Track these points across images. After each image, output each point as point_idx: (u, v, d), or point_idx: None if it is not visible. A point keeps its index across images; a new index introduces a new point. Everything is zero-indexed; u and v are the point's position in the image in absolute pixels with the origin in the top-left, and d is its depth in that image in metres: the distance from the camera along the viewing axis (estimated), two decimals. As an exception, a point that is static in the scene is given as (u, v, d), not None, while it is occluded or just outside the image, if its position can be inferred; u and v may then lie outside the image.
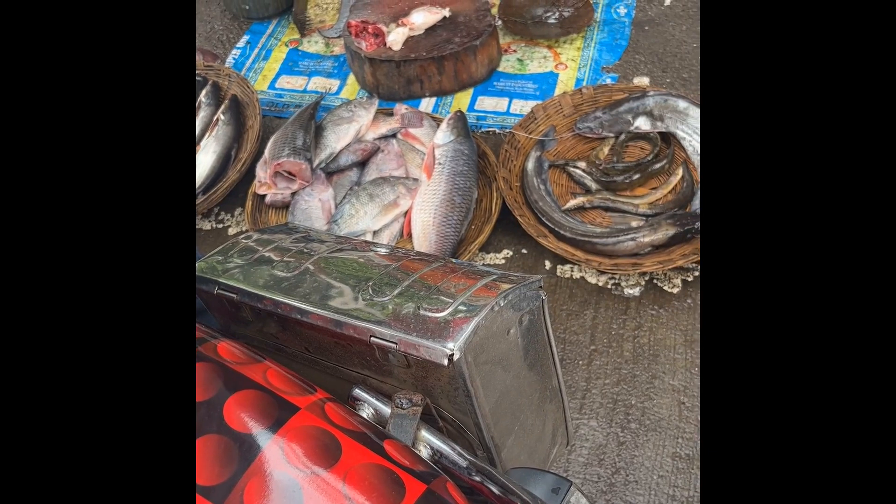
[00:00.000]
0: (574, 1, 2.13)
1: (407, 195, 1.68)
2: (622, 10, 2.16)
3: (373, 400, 0.61)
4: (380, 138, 1.83)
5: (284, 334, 0.70)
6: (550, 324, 0.70)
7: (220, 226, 1.81)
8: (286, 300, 0.66)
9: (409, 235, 1.67)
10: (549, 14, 2.11)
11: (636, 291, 1.56)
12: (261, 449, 0.49)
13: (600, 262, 1.53)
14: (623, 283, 1.57)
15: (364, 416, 0.60)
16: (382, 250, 0.74)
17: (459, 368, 0.56)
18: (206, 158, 1.83)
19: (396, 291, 0.63)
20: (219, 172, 1.82)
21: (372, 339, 0.60)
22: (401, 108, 1.87)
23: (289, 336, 0.69)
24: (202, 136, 1.88)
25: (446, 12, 1.99)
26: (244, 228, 1.78)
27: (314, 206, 1.70)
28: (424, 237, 1.63)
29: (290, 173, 1.70)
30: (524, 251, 1.66)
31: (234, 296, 0.69)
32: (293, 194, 1.72)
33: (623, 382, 1.44)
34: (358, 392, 0.62)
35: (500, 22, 2.09)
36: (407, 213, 1.69)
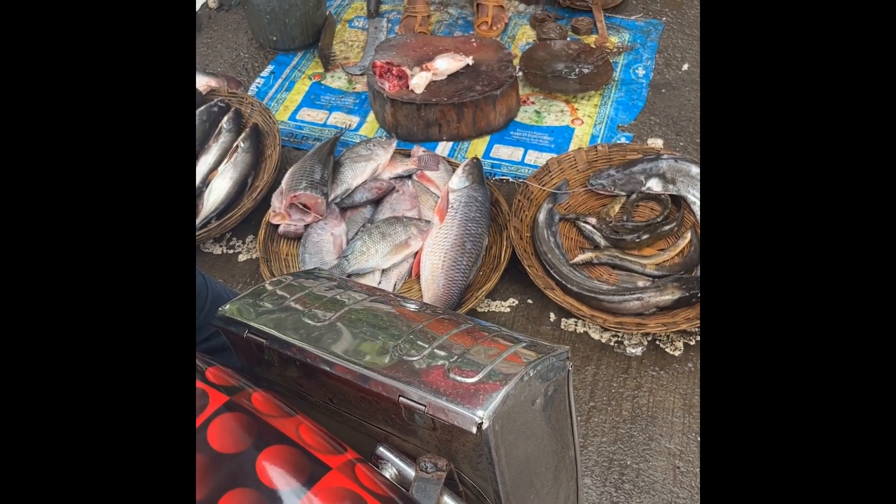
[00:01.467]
0: (594, 59, 2.18)
1: (418, 236, 1.70)
2: (640, 72, 2.20)
3: (397, 460, 0.62)
4: (396, 178, 1.85)
5: (309, 383, 0.71)
6: (573, 394, 0.71)
7: (231, 251, 1.83)
8: (315, 350, 0.67)
9: (418, 277, 1.69)
10: (569, 70, 2.15)
11: (638, 351, 1.57)
12: (293, 507, 0.50)
13: (605, 318, 1.55)
14: (626, 342, 1.59)
15: (387, 475, 0.61)
16: (412, 306, 0.76)
17: (486, 437, 0.58)
18: (222, 184, 1.85)
19: (426, 352, 0.65)
20: (234, 198, 1.84)
21: (400, 398, 0.61)
22: (418, 150, 1.90)
23: (313, 385, 0.70)
24: (220, 161, 1.90)
25: (469, 60, 2.04)
26: (254, 256, 1.80)
27: (326, 240, 1.72)
28: (433, 280, 1.64)
29: (305, 206, 1.72)
30: (530, 301, 1.67)
31: (264, 341, 0.70)
32: (306, 226, 1.74)
33: (620, 442, 1.45)
34: (382, 451, 0.63)
35: (520, 73, 2.13)
36: (417, 255, 1.71)
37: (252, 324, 0.71)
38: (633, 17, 2.39)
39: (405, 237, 1.70)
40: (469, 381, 0.61)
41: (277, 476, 0.52)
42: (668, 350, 1.57)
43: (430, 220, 1.75)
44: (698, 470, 1.38)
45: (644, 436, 1.45)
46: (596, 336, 1.60)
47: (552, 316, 1.64)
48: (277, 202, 1.77)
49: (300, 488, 0.51)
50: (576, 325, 1.62)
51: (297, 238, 1.76)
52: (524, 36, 2.37)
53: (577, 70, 2.16)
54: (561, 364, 0.66)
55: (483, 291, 1.60)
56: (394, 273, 1.70)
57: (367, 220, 1.80)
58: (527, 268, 1.60)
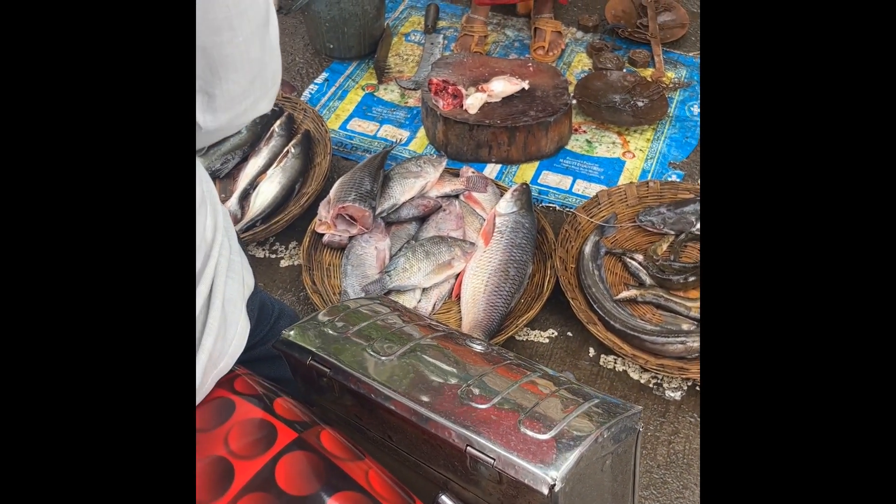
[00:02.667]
0: (650, 93, 2.16)
1: (462, 258, 1.69)
2: (695, 110, 2.18)
3: (460, 512, 0.61)
4: (443, 197, 1.84)
5: (369, 417, 0.69)
6: (639, 456, 0.70)
7: (273, 256, 1.83)
8: (380, 386, 0.66)
9: (458, 298, 1.67)
10: (623, 102, 2.13)
11: (678, 395, 1.55)
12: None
13: (646, 359, 1.52)
14: (665, 385, 1.56)
15: (449, 525, 0.59)
16: (478, 347, 0.75)
17: (556, 499, 0.56)
18: (269, 188, 1.85)
19: (496, 400, 0.63)
20: (280, 203, 1.84)
21: (468, 448, 0.60)
22: (467, 171, 1.89)
23: (373, 420, 0.69)
24: (270, 164, 1.91)
25: (525, 84, 2.03)
26: (296, 263, 1.80)
27: (369, 254, 1.72)
28: (474, 303, 1.63)
29: (351, 217, 1.72)
30: (570, 334, 1.65)
31: (327, 370, 0.69)
32: (350, 238, 1.74)
33: (652, 487, 1.42)
34: (444, 500, 0.61)
35: (574, 102, 2.11)
36: (459, 276, 1.70)
37: (316, 351, 0.70)
38: (691, 54, 2.37)
39: (448, 257, 1.68)
40: (541, 437, 0.59)
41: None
42: (707, 397, 1.54)
43: (474, 242, 1.74)
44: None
45: (678, 483, 1.42)
46: (635, 376, 1.58)
47: (591, 351, 1.62)
48: (324, 211, 1.77)
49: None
50: (615, 363, 1.60)
51: (340, 248, 1.76)
52: (580, 63, 2.35)
53: (632, 103, 2.14)
54: (632, 425, 0.65)
55: (524, 319, 1.59)
56: (434, 293, 1.69)
57: (412, 236, 1.79)
58: (570, 300, 1.58)
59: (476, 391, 0.65)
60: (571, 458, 0.57)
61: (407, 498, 0.55)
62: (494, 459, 0.59)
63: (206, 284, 0.62)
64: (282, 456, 0.54)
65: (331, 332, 0.74)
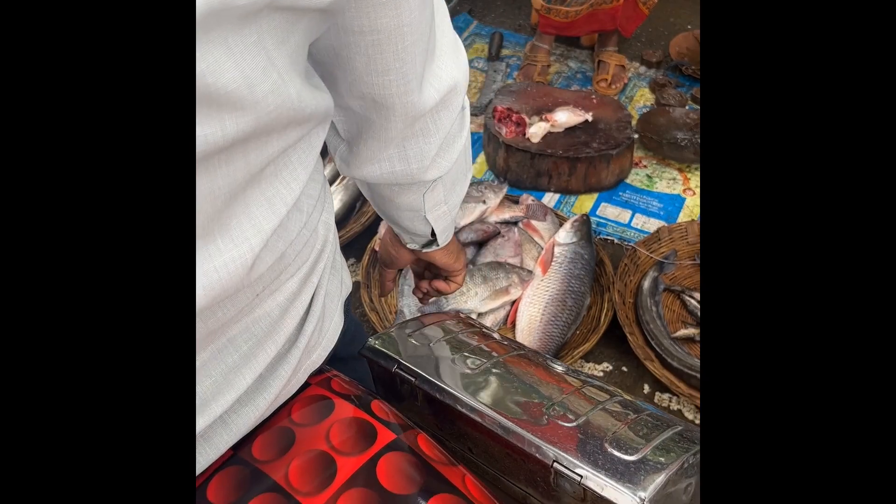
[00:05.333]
0: (713, 131, 2.15)
1: (519, 285, 1.70)
2: (759, 150, 2.16)
3: (546, 528, 0.61)
4: (502, 223, 1.85)
5: (451, 428, 0.70)
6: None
7: (332, 272, 1.86)
8: (466, 397, 0.67)
9: (513, 325, 1.68)
10: (686, 139, 2.13)
11: (733, 438, 1.52)
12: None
13: (702, 399, 1.50)
14: (720, 426, 1.53)
15: (532, 539, 0.60)
16: (559, 368, 0.75)
17: (643, 518, 0.56)
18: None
19: (581, 420, 0.64)
20: (340, 220, 1.87)
21: (555, 464, 0.60)
22: (527, 199, 1.90)
23: (454, 431, 0.70)
24: (332, 182, 1.95)
25: (589, 116, 2.04)
26: (355, 280, 1.82)
27: (427, 275, 1.73)
28: (529, 332, 1.63)
29: (411, 238, 1.74)
30: (625, 369, 1.64)
31: (413, 379, 0.70)
32: (409, 258, 1.75)
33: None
34: (529, 514, 0.62)
35: (636, 136, 2.12)
36: (515, 303, 1.70)
37: (402, 360, 0.71)
38: (756, 95, 2.36)
39: (506, 284, 1.69)
40: (629, 458, 0.59)
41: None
42: (764, 442, 1.51)
43: (532, 270, 1.75)
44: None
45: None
46: (690, 415, 1.55)
47: (647, 388, 1.60)
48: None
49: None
50: (670, 402, 1.58)
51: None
52: (642, 98, 2.36)
53: (694, 140, 2.13)
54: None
55: (580, 351, 1.58)
56: (489, 318, 1.70)
57: (470, 261, 1.80)
58: (628, 335, 1.57)
59: (560, 409, 0.65)
60: (660, 479, 0.57)
61: None
62: (582, 476, 0.59)
63: (317, 276, 0.64)
64: (382, 455, 0.55)
65: (414, 342, 0.75)
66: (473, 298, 1.66)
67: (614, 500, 0.57)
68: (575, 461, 0.59)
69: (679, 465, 0.59)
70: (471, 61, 2.52)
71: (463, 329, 0.79)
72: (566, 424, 0.63)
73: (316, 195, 0.62)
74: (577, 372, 0.76)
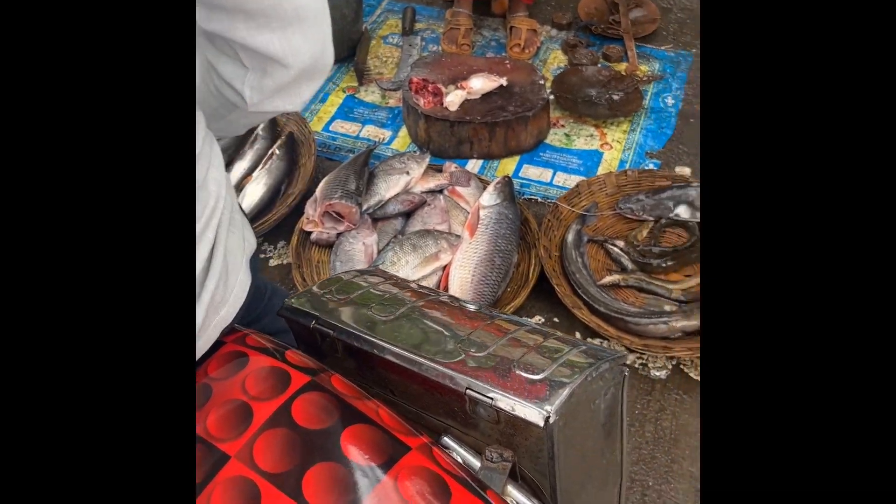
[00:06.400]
0: (624, 86, 2.22)
1: (448, 250, 1.73)
2: (669, 101, 2.24)
3: (461, 450, 0.64)
4: (427, 192, 1.88)
5: (370, 374, 0.73)
6: (626, 400, 0.73)
7: (262, 256, 1.86)
8: (382, 342, 0.69)
9: (446, 290, 1.71)
10: (599, 96, 2.19)
11: (662, 374, 1.59)
12: (378, 481, 0.52)
13: (631, 340, 1.57)
14: (650, 365, 1.60)
15: (452, 463, 0.63)
16: (471, 307, 0.78)
17: (551, 431, 0.60)
18: (256, 189, 1.88)
19: (491, 349, 0.67)
20: (266, 204, 1.87)
21: (468, 391, 0.64)
22: (450, 167, 1.93)
23: (374, 377, 0.73)
24: (255, 167, 1.94)
25: (503, 81, 2.08)
26: (285, 261, 1.83)
27: (357, 249, 1.75)
28: (462, 293, 1.66)
29: (338, 214, 1.75)
30: (556, 320, 1.69)
31: (331, 331, 0.72)
32: (338, 235, 1.77)
33: (642, 462, 1.46)
34: (448, 441, 0.65)
35: (552, 96, 2.17)
36: (446, 268, 1.73)
37: (319, 315, 0.74)
38: (663, 48, 2.43)
39: (435, 250, 1.72)
40: (535, 377, 0.63)
41: (361, 452, 0.54)
42: (692, 374, 1.58)
43: (459, 234, 1.78)
44: (720, 494, 1.39)
45: (666, 458, 1.46)
46: (621, 357, 1.62)
47: (578, 335, 1.66)
48: (311, 210, 1.80)
49: (383, 466, 0.53)
50: (601, 345, 1.64)
51: (328, 246, 1.79)
52: (555, 60, 2.41)
53: (608, 96, 2.19)
54: (619, 368, 0.69)
55: (511, 307, 1.62)
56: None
57: (398, 231, 1.82)
58: (556, 286, 1.63)
59: (472, 343, 0.68)
60: (564, 393, 0.61)
61: (415, 430, 0.59)
62: (493, 399, 0.62)
63: (212, 232, 0.66)
64: (297, 396, 0.58)
65: (330, 298, 0.77)
66: (405, 267, 1.69)
67: (524, 417, 0.61)
68: (486, 386, 0.63)
69: (582, 380, 0.63)
70: (385, 38, 2.53)
71: (380, 282, 0.82)
72: (478, 354, 0.66)
73: (198, 150, 0.64)
74: (489, 310, 0.80)
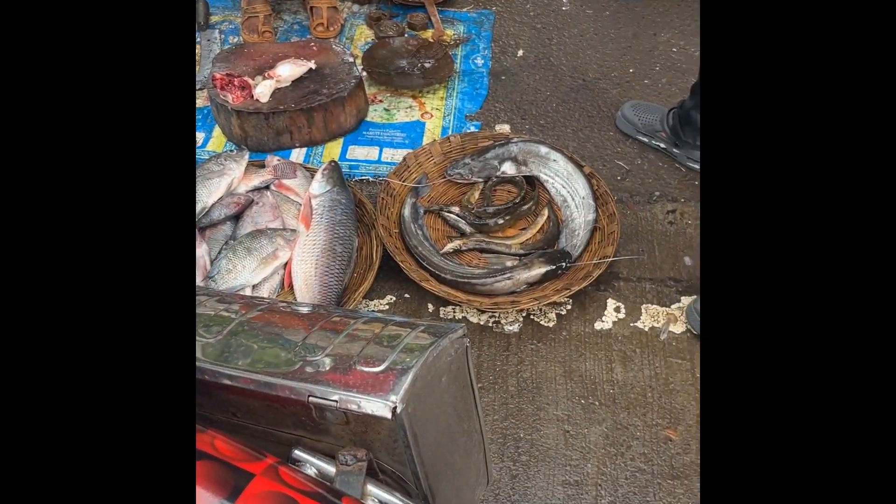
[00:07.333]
0: (433, 53, 2.23)
1: (286, 247, 1.68)
2: (479, 61, 2.28)
3: (314, 460, 0.62)
4: (253, 190, 1.81)
5: (209, 400, 0.69)
6: (473, 370, 0.74)
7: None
8: (214, 366, 0.65)
9: (291, 287, 1.66)
10: (411, 66, 2.19)
11: (515, 328, 1.64)
12: (224, 520, 0.48)
13: (481, 301, 1.60)
14: (503, 321, 1.65)
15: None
16: (304, 309, 0.75)
17: (401, 419, 0.59)
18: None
19: (328, 349, 0.65)
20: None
21: (310, 398, 0.61)
22: (273, 160, 1.86)
23: (214, 402, 0.68)
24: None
25: (312, 64, 2.02)
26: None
27: (188, 263, 1.65)
28: (307, 288, 1.62)
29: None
30: (407, 296, 1.69)
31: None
32: (165, 252, 1.66)
33: (511, 417, 1.50)
34: (298, 453, 0.62)
35: (364, 73, 2.14)
36: (287, 265, 1.68)
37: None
38: (465, 10, 2.47)
39: (272, 249, 1.66)
40: (376, 370, 0.61)
41: (202, 493, 0.50)
42: (542, 322, 1.64)
43: (295, 228, 1.73)
44: (586, 431, 1.46)
45: (532, 407, 1.51)
46: (474, 319, 1.65)
47: (430, 306, 1.67)
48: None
49: (229, 498, 0.50)
50: (454, 312, 1.66)
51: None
52: (362, 36, 2.38)
53: (419, 65, 2.20)
54: (460, 341, 0.69)
55: (360, 293, 1.60)
56: (265, 287, 1.67)
57: (229, 236, 1.74)
58: (400, 263, 1.62)
59: (308, 348, 0.66)
60: (407, 380, 0.60)
61: (258, 454, 0.56)
62: (337, 401, 0.60)
63: None
64: None
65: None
66: (242, 273, 1.62)
67: (372, 413, 0.59)
68: (329, 389, 0.61)
69: (424, 360, 0.62)
70: (180, 34, 2.38)
71: (202, 301, 0.77)
72: (315, 358, 0.64)
73: None
74: (324, 307, 0.77)
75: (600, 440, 1.45)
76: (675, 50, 2.38)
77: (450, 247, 1.71)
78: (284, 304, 0.79)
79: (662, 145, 2.00)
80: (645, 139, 2.03)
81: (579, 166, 1.83)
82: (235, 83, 1.94)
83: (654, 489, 1.38)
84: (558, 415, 1.49)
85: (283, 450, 0.65)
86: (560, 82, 2.25)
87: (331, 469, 0.61)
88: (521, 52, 2.33)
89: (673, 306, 1.67)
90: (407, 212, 1.77)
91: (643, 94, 2.21)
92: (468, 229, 1.76)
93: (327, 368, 0.63)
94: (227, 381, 0.64)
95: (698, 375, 1.55)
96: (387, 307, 1.67)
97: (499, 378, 1.55)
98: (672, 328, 1.63)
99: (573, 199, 1.81)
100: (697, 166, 1.95)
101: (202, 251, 1.68)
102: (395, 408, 0.58)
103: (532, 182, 1.86)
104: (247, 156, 1.83)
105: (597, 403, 1.51)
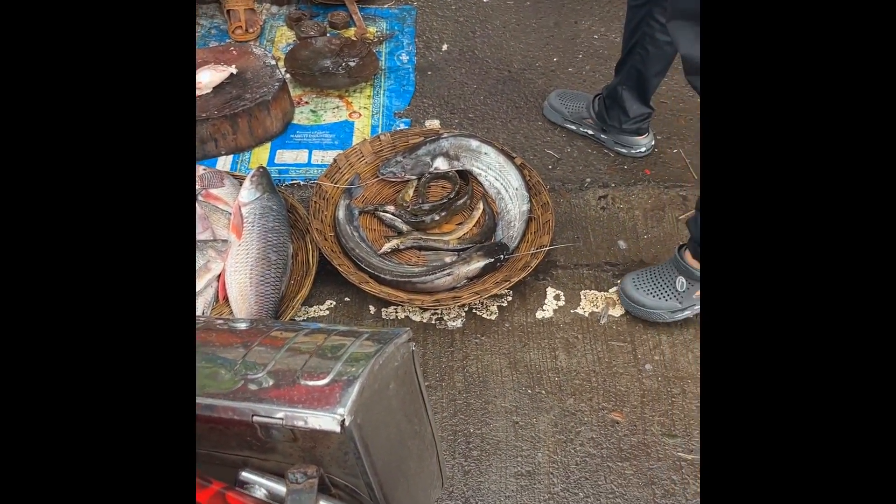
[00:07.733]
0: (357, 51, 2.20)
1: (217, 258, 1.63)
2: (404, 57, 2.26)
3: (263, 481, 0.60)
4: (180, 202, 1.75)
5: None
6: (421, 373, 0.73)
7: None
8: (148, 393, 0.62)
9: (226, 299, 1.62)
10: (335, 65, 2.16)
11: (458, 323, 1.63)
12: (171, 555, 0.46)
13: (422, 299, 1.59)
14: (445, 317, 1.64)
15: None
16: (242, 325, 0.73)
17: (350, 432, 0.57)
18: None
19: (270, 366, 0.63)
20: None
21: (254, 418, 0.59)
22: (199, 170, 1.80)
23: (152, 430, 0.65)
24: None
25: (233, 69, 1.97)
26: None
27: (116, 282, 1.59)
28: (243, 299, 1.58)
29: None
30: (347, 299, 1.67)
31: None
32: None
33: (459, 413, 1.50)
34: (246, 475, 0.60)
35: (288, 75, 2.10)
36: (220, 277, 1.63)
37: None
38: (386, 6, 2.45)
39: (203, 262, 1.62)
40: (321, 383, 0.60)
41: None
42: (484, 316, 1.64)
43: (226, 238, 1.68)
44: (535, 420, 1.47)
45: (480, 401, 1.51)
46: (417, 318, 1.64)
47: (371, 308, 1.66)
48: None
49: (174, 534, 0.48)
50: (396, 312, 1.65)
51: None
52: (283, 37, 2.33)
53: (344, 64, 2.17)
54: (405, 346, 0.68)
55: (298, 299, 1.57)
56: (199, 301, 1.62)
57: (158, 251, 1.68)
58: (338, 267, 1.60)
59: (248, 366, 0.64)
60: (354, 390, 0.59)
61: (203, 482, 0.54)
62: (283, 419, 0.58)
63: None
64: None
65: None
66: (175, 287, 1.57)
67: (321, 428, 0.58)
68: (273, 407, 0.59)
69: (370, 370, 0.61)
70: (91, 44, 2.29)
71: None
72: (257, 376, 0.62)
73: None
74: (263, 321, 0.75)
75: (549, 428, 1.46)
76: (596, 37, 2.42)
77: (387, 246, 1.70)
78: (221, 321, 0.77)
79: (590, 132, 2.03)
80: (573, 127, 2.05)
81: (511, 158, 1.84)
82: (153, 92, 1.87)
83: (604, 472, 1.40)
84: (506, 407, 1.50)
85: (230, 472, 0.63)
86: (486, 75, 2.25)
87: (281, 489, 0.60)
88: (445, 47, 2.33)
89: (611, 290, 1.70)
90: (341, 214, 1.74)
91: (568, 83, 2.23)
92: (405, 227, 1.75)
93: (270, 385, 0.61)
94: (164, 407, 0.62)
95: (639, 356, 1.58)
96: (327, 312, 1.65)
97: (445, 375, 1.55)
98: (611, 312, 1.66)
99: (507, 190, 1.82)
100: (625, 150, 1.98)
101: (130, 268, 1.61)
102: (343, 420, 0.57)
103: (465, 176, 1.86)
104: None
105: (543, 392, 1.52)
